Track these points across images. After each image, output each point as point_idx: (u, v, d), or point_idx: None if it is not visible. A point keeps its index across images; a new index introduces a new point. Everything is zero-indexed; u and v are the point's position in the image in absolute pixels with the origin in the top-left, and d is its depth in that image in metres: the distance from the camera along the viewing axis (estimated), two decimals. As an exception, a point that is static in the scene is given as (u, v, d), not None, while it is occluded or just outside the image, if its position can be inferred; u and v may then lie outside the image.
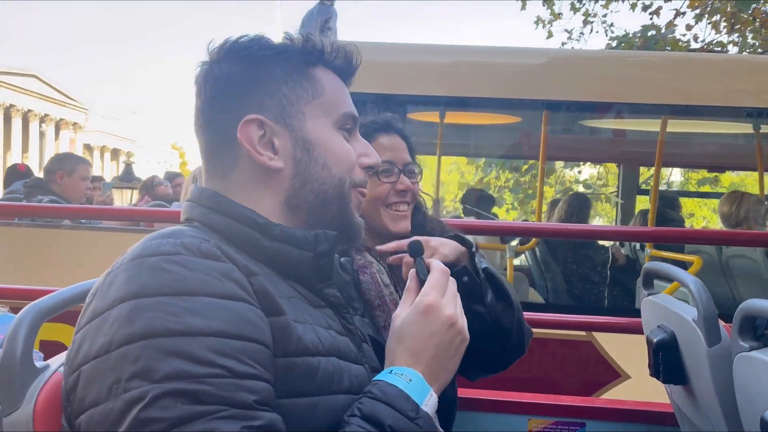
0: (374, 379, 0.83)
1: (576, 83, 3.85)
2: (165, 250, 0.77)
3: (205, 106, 0.94)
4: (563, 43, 10.70)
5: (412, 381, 0.82)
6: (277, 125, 0.92)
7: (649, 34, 9.39)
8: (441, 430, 0.91)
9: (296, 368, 0.78)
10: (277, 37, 0.99)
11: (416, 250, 1.03)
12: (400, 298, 1.10)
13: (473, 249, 1.43)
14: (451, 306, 0.88)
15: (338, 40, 1.01)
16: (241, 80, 0.92)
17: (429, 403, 0.82)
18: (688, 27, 9.59)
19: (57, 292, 0.98)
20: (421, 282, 0.93)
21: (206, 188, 0.94)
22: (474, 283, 1.37)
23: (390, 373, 0.83)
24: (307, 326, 0.83)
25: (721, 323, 1.38)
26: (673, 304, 1.59)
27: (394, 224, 1.47)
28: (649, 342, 1.62)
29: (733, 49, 9.50)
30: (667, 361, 1.55)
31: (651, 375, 1.62)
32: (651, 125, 4.24)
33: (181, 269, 0.75)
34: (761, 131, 4.02)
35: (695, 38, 9.51)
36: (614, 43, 9.82)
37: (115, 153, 43.33)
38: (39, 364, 0.89)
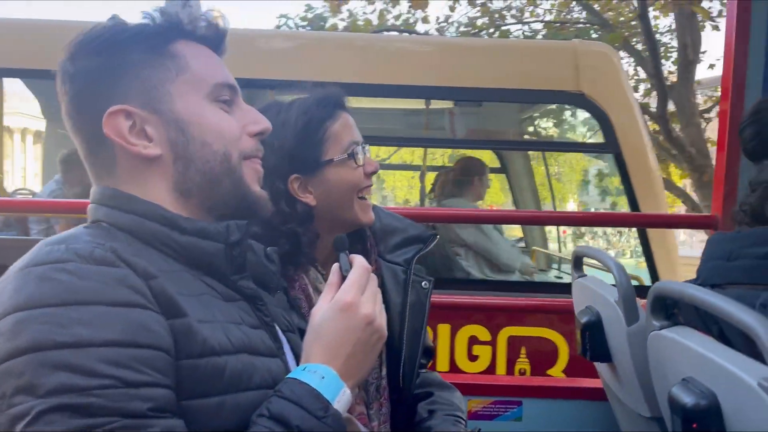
0: (287, 376, 0.83)
1: None
2: (55, 258, 0.75)
3: (68, 107, 0.90)
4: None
5: (324, 378, 0.82)
6: (145, 112, 0.89)
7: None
8: (359, 426, 0.92)
9: (200, 369, 0.78)
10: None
11: (340, 245, 1.00)
12: None
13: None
14: (370, 304, 0.88)
15: (199, 8, 0.97)
16: (98, 73, 0.88)
17: (342, 399, 0.82)
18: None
19: None
20: (343, 277, 0.92)
21: (105, 188, 0.91)
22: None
23: (303, 370, 0.83)
24: (216, 325, 0.82)
25: (641, 303, 1.45)
26: (599, 286, 1.65)
27: (365, 214, 1.31)
28: (577, 322, 1.68)
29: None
30: (593, 340, 1.62)
31: (578, 353, 1.68)
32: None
33: (71, 278, 0.73)
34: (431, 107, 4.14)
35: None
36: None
37: (39, 135, 41.58)
38: None
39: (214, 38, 0.96)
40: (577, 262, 1.83)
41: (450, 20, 9.65)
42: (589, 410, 1.97)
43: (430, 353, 1.45)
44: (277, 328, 0.96)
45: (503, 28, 9.59)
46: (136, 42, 0.90)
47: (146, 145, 0.89)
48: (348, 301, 0.87)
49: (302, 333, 0.91)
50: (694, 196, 8.35)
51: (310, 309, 0.91)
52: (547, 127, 4.75)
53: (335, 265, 0.95)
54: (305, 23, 9.63)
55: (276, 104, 1.33)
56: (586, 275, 1.80)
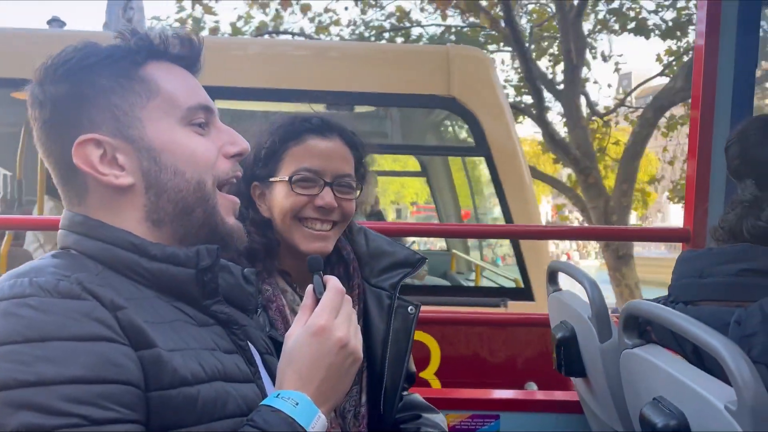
0: (261, 403, 0.82)
1: None
2: (18, 292, 0.74)
3: (39, 134, 0.89)
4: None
5: (298, 405, 0.81)
6: (116, 140, 0.86)
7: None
8: None
9: (172, 401, 0.77)
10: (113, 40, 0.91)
11: (314, 266, 0.96)
12: None
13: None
14: (344, 327, 0.87)
15: (176, 28, 0.97)
16: (67, 100, 0.87)
17: (317, 425, 0.81)
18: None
19: None
20: (317, 300, 0.91)
21: (75, 214, 0.89)
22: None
23: (277, 396, 0.82)
24: (188, 352, 0.81)
25: (614, 319, 1.46)
26: (573, 302, 1.67)
27: (306, 243, 1.26)
28: (552, 337, 1.70)
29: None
30: (568, 355, 1.63)
31: (554, 368, 1.69)
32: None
33: (34, 313, 0.72)
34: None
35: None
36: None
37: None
38: None
39: (189, 57, 0.93)
40: (552, 276, 1.84)
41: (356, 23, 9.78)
42: (565, 423, 1.98)
43: (412, 378, 1.44)
44: (255, 351, 0.95)
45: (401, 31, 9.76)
46: (104, 66, 0.87)
47: (117, 174, 0.87)
48: (321, 324, 0.86)
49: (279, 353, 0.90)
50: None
51: (286, 330, 0.90)
52: (421, 130, 4.97)
53: (309, 287, 0.93)
54: (181, 25, 9.42)
55: (277, 113, 1.36)
56: (561, 290, 1.81)
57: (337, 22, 9.61)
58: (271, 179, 1.29)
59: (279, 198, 1.28)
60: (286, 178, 1.27)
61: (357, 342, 0.89)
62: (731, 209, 1.31)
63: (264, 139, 1.30)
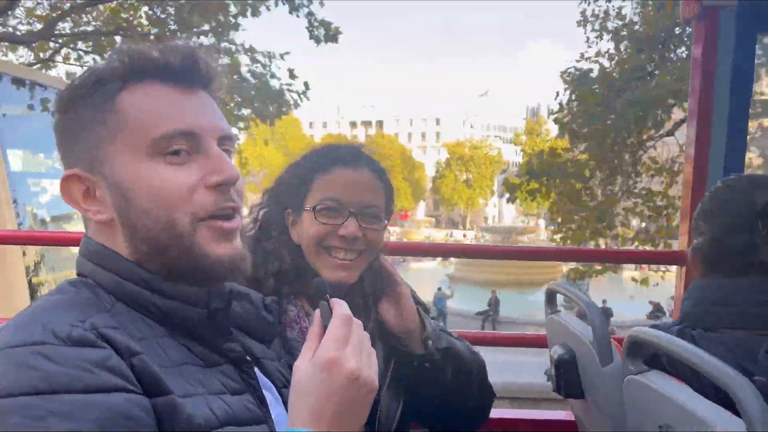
0: None
1: None
2: (32, 339, 0.72)
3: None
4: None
5: None
6: (92, 175, 0.85)
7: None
8: None
9: None
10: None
11: (320, 289, 0.91)
12: None
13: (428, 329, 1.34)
14: (354, 358, 0.82)
15: (175, 41, 0.91)
16: (61, 133, 0.87)
17: None
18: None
19: None
20: (325, 327, 0.86)
21: (91, 240, 0.88)
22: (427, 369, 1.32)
23: None
24: (198, 399, 0.79)
25: (615, 344, 1.48)
26: (572, 323, 1.68)
27: (330, 271, 1.26)
28: (551, 358, 1.70)
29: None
30: (567, 376, 1.64)
31: (553, 390, 1.70)
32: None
33: (47, 364, 0.70)
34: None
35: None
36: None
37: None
38: None
39: (182, 73, 0.86)
40: (551, 298, 1.85)
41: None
42: (560, 443, 1.99)
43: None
44: (272, 384, 0.94)
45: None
46: (87, 96, 0.85)
47: (96, 210, 0.86)
48: (329, 357, 0.81)
49: None
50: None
51: None
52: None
53: (316, 313, 0.89)
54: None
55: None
56: (559, 311, 1.82)
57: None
58: (302, 208, 1.32)
59: (306, 226, 1.31)
60: (310, 208, 1.29)
61: (370, 371, 0.84)
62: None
63: (297, 167, 1.36)
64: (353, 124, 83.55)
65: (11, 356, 0.71)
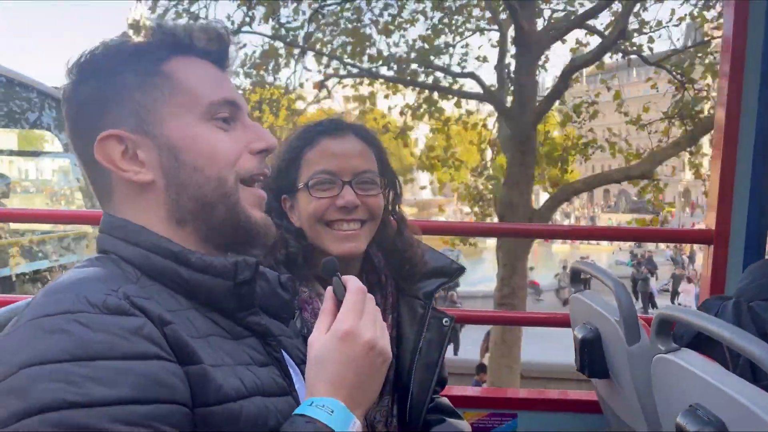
0: (294, 412, 0.80)
1: None
2: (66, 308, 0.72)
3: (68, 131, 0.89)
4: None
5: (334, 412, 0.79)
6: (138, 136, 0.86)
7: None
8: None
9: (216, 416, 0.76)
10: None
11: (330, 268, 0.93)
12: None
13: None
14: (370, 328, 0.85)
15: (202, 20, 0.96)
16: (92, 97, 0.87)
17: (354, 431, 0.80)
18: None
19: None
20: (338, 302, 0.88)
21: (114, 217, 0.88)
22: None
23: (310, 405, 0.80)
24: (226, 369, 0.80)
25: (642, 322, 1.46)
26: (597, 302, 1.66)
27: (336, 245, 1.25)
28: (575, 338, 1.69)
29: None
30: (591, 356, 1.63)
31: (577, 369, 1.69)
32: None
33: (83, 330, 0.70)
34: None
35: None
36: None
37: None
38: None
39: (217, 52, 0.92)
40: (575, 276, 1.83)
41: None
42: (583, 423, 1.98)
43: (443, 383, 1.44)
44: (291, 360, 0.95)
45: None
46: (129, 63, 0.87)
47: (137, 170, 0.86)
48: (346, 329, 0.84)
49: None
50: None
51: None
52: None
53: (329, 289, 0.91)
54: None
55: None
56: (583, 290, 1.80)
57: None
58: (297, 187, 1.29)
59: (303, 205, 1.28)
60: (304, 185, 1.27)
61: (385, 341, 0.87)
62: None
63: (283, 152, 1.32)
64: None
65: (43, 324, 0.71)
